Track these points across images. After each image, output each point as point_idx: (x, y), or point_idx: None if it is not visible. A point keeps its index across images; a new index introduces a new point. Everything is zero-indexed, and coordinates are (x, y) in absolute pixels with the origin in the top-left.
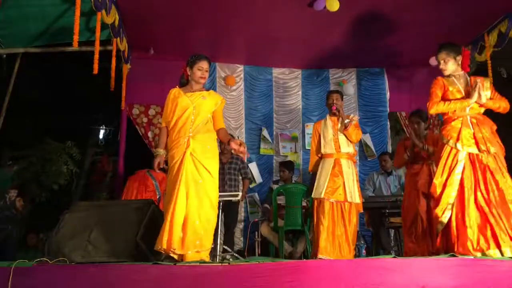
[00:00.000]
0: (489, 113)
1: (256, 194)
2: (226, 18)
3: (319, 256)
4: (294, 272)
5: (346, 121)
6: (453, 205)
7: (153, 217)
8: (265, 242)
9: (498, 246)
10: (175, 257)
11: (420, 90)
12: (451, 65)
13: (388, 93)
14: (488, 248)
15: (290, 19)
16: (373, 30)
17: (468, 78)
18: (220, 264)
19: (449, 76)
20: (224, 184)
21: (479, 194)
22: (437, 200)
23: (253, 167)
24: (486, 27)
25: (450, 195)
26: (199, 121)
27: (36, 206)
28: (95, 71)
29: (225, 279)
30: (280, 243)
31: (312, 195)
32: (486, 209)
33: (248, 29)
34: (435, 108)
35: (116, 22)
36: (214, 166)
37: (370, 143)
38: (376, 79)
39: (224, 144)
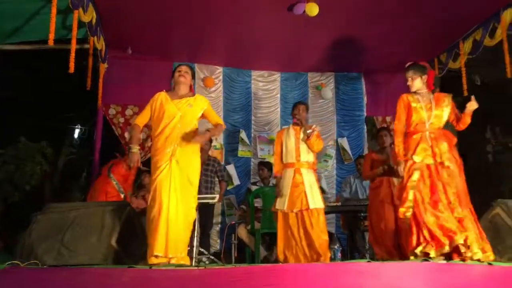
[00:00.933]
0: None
1: (234, 196)
2: (206, 19)
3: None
4: (270, 276)
5: (309, 131)
6: (412, 207)
7: (129, 220)
8: (242, 244)
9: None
10: (164, 261)
11: (396, 95)
12: (417, 83)
13: (366, 98)
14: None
15: (270, 22)
16: (351, 35)
17: (432, 96)
18: (196, 267)
19: (414, 92)
20: (199, 185)
21: (431, 200)
22: (402, 202)
23: (231, 169)
24: (461, 35)
25: (409, 199)
26: (185, 129)
27: (8, 206)
28: (71, 69)
29: (201, 282)
30: (257, 247)
31: (277, 207)
32: (441, 216)
33: (228, 31)
34: (396, 136)
35: (94, 21)
36: (196, 177)
37: (347, 146)
38: (354, 84)
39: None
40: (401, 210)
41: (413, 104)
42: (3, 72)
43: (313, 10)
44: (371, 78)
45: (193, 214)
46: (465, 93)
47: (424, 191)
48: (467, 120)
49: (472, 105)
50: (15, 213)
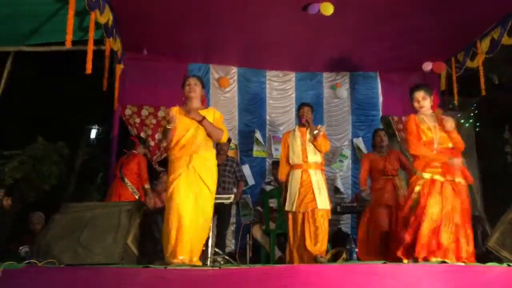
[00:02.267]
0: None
1: (249, 196)
2: (220, 20)
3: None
4: (284, 277)
5: (315, 132)
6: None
7: (144, 219)
8: (257, 245)
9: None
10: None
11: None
12: (427, 103)
13: (381, 97)
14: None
15: (285, 22)
16: (367, 35)
17: (435, 117)
18: (211, 268)
19: (419, 114)
20: (218, 186)
21: (440, 215)
22: (406, 223)
23: (246, 169)
24: (479, 34)
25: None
26: (200, 138)
27: (25, 206)
28: (88, 70)
29: (216, 283)
30: (272, 247)
31: (286, 208)
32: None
33: (242, 31)
34: (416, 150)
35: (110, 22)
36: (212, 182)
37: (362, 146)
38: (369, 83)
39: (220, 145)
40: (404, 212)
41: (421, 126)
42: (20, 73)
43: (328, 9)
44: (386, 77)
45: (210, 217)
46: (483, 93)
47: (428, 203)
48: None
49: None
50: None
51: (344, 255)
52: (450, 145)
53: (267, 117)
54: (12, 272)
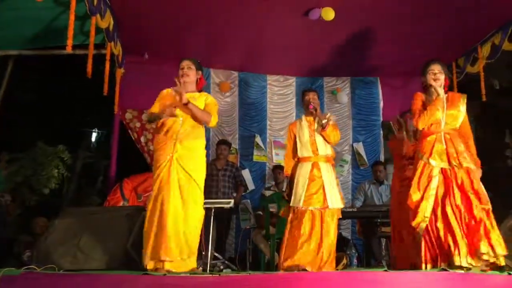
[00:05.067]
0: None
1: (248, 201)
2: (221, 25)
3: (297, 264)
4: (284, 285)
5: (324, 121)
6: (429, 217)
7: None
8: (257, 250)
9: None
10: (159, 265)
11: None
12: (442, 78)
13: (382, 102)
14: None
15: (286, 27)
16: (367, 40)
17: (445, 96)
18: (211, 275)
19: (427, 92)
20: (217, 191)
21: (448, 208)
22: (414, 214)
23: (246, 174)
24: (480, 39)
25: (426, 209)
26: (187, 125)
27: (25, 210)
28: (89, 74)
29: None
30: (272, 252)
31: (291, 204)
32: (454, 223)
33: (243, 36)
34: (422, 123)
35: (111, 27)
36: (199, 173)
37: (362, 151)
38: (370, 88)
39: (220, 149)
40: (417, 220)
41: (428, 103)
42: (22, 77)
43: (329, 14)
44: (387, 82)
45: (199, 215)
46: (484, 98)
47: (439, 199)
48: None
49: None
50: (33, 217)
51: (344, 261)
52: (458, 125)
53: (268, 122)
54: (11, 278)
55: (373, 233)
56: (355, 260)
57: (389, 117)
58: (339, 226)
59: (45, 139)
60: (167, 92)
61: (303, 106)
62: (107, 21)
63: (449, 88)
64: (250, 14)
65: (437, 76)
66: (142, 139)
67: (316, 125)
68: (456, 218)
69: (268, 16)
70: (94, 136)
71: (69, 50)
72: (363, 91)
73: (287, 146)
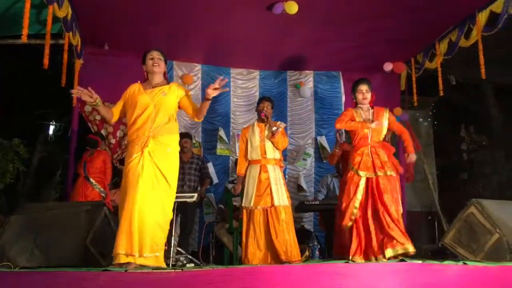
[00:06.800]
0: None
1: (212, 195)
2: (184, 16)
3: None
4: (247, 278)
5: (274, 128)
6: (354, 219)
7: (104, 220)
8: (220, 244)
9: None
10: (132, 261)
11: (374, 94)
12: (369, 97)
13: (344, 97)
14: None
15: (249, 20)
16: (330, 35)
17: (371, 110)
18: (173, 270)
19: (356, 108)
20: (183, 184)
21: (369, 211)
22: (343, 214)
23: (210, 168)
24: (437, 36)
25: (352, 212)
26: (160, 119)
27: None
28: (45, 65)
29: (178, 285)
30: (235, 246)
31: (242, 204)
32: (372, 225)
33: (206, 28)
34: (340, 125)
35: (69, 16)
36: (171, 172)
37: (326, 145)
38: (332, 82)
39: (182, 142)
40: (344, 222)
41: (357, 118)
42: None
43: (292, 8)
44: (349, 77)
45: (169, 214)
46: (441, 93)
47: (365, 204)
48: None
49: (410, 159)
50: None
51: (306, 253)
52: (381, 138)
53: (231, 115)
54: None
55: (335, 225)
56: (317, 252)
57: None
58: (301, 218)
59: None
60: (135, 89)
61: (257, 112)
62: (64, 11)
63: (408, 82)
64: (213, 6)
65: (365, 95)
66: (103, 132)
67: (266, 131)
68: (373, 218)
69: (232, 9)
70: (51, 129)
71: (24, 39)
72: (326, 85)
73: (240, 148)
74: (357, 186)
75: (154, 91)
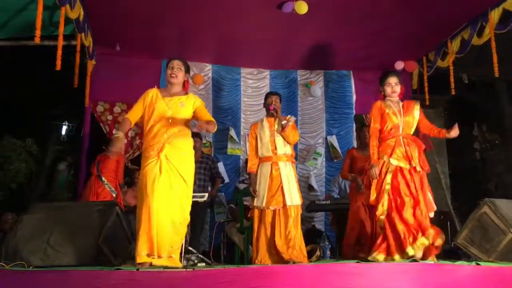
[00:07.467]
0: None
1: (223, 194)
2: (194, 17)
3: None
4: (258, 278)
5: (284, 122)
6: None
7: (116, 219)
8: (231, 243)
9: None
10: (152, 261)
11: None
12: (399, 90)
13: (355, 96)
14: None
15: (259, 20)
16: (341, 34)
17: (401, 103)
18: (184, 269)
19: (385, 100)
20: (193, 183)
21: (399, 200)
22: (375, 207)
23: (220, 167)
24: (450, 34)
25: (383, 203)
26: (176, 128)
27: None
28: (58, 67)
29: (189, 284)
30: (246, 246)
31: (254, 203)
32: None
33: (217, 28)
34: (371, 139)
35: (81, 17)
36: (189, 173)
37: (336, 144)
38: (343, 82)
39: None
40: (378, 212)
41: (387, 110)
42: None
43: (302, 8)
44: (360, 76)
45: (186, 214)
46: (453, 92)
47: (397, 193)
48: (436, 135)
49: (455, 133)
50: (0, 213)
51: (318, 253)
52: (412, 132)
53: (242, 115)
54: None
55: (346, 225)
56: (328, 252)
57: (362, 110)
58: (312, 218)
59: (13, 132)
60: (153, 95)
61: (265, 107)
62: (77, 12)
63: (420, 81)
64: (224, 6)
65: (394, 89)
66: (114, 131)
67: (276, 126)
68: (409, 214)
69: (242, 9)
70: (64, 129)
71: (37, 41)
72: (336, 84)
73: (250, 144)
74: (386, 173)
75: (173, 100)
